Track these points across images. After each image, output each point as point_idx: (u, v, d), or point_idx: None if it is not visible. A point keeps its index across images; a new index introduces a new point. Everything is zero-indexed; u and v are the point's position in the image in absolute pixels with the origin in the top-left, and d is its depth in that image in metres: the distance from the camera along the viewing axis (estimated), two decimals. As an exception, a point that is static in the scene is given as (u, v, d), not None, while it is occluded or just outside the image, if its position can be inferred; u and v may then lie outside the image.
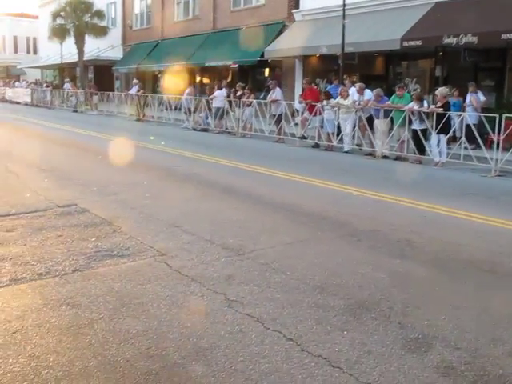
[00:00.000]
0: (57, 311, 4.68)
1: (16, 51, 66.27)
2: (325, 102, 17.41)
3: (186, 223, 7.54)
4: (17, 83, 51.05)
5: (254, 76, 28.28)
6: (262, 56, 25.36)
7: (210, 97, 22.34)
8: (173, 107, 25.72)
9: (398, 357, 4.01)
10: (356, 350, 4.10)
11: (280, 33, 25.71)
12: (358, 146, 16.36)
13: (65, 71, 46.37)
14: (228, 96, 22.00)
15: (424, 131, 14.54)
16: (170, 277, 5.54)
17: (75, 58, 39.19)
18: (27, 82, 50.53)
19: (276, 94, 19.97)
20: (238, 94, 21.68)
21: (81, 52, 38.40)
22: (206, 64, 29.37)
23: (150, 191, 9.79)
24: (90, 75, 44.52)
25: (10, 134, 20.13)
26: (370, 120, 15.94)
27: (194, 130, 22.82)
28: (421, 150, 14.57)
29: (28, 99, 41.67)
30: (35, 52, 63.25)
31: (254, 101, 20.39)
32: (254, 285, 5.33)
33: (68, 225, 7.40)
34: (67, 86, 38.88)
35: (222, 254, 6.26)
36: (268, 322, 4.50)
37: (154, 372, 3.75)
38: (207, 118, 22.62)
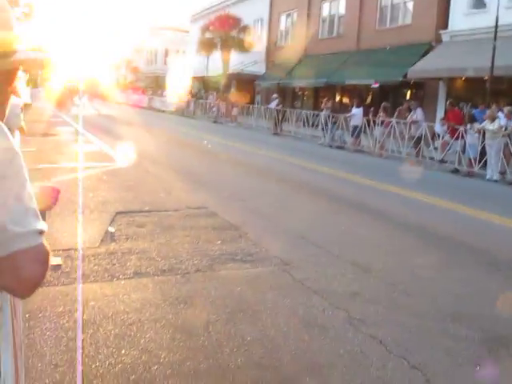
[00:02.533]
0: (174, 308, 4.62)
1: (165, 62, 69.57)
2: (468, 126, 16.54)
3: (313, 235, 7.33)
4: (164, 92, 53.52)
5: (394, 96, 27.56)
6: (405, 76, 24.68)
7: (348, 115, 22.05)
8: (310, 123, 25.71)
9: (539, 402, 3.54)
10: (490, 388, 3.67)
11: (425, 53, 24.86)
12: (501, 173, 15.34)
13: (209, 83, 47.91)
14: (366, 115, 21.59)
15: None
16: (292, 287, 5.34)
17: (219, 71, 40.32)
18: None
19: (417, 114, 19.29)
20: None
21: (226, 65, 39.48)
22: (346, 82, 29.09)
23: (280, 201, 9.69)
24: (232, 88, 45.67)
25: (153, 140, 20.95)
26: (518, 147, 14.90)
27: (330, 146, 22.60)
28: None
29: (172, 108, 43.56)
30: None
31: (394, 120, 19.83)
32: (380, 305, 5.00)
33: (196, 226, 7.44)
34: (211, 97, 40.12)
35: (349, 270, 5.98)
36: (391, 346, 4.16)
37: (265, 383, 3.55)
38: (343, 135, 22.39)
